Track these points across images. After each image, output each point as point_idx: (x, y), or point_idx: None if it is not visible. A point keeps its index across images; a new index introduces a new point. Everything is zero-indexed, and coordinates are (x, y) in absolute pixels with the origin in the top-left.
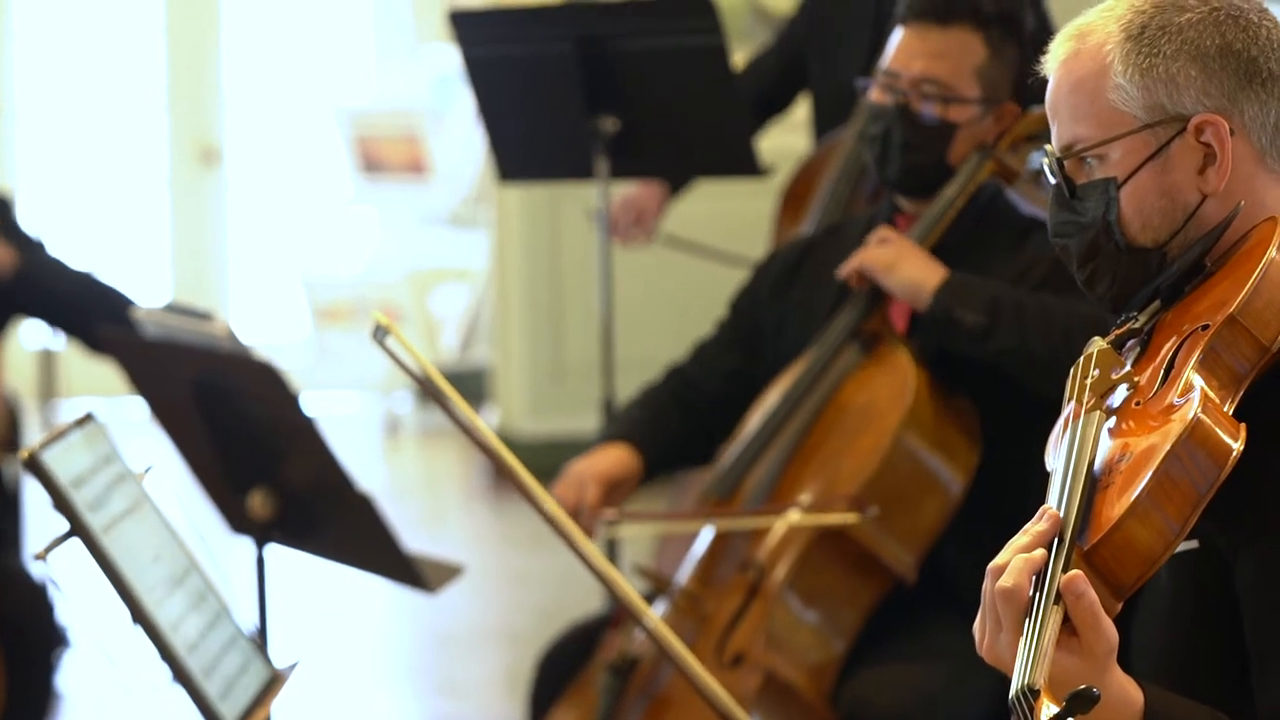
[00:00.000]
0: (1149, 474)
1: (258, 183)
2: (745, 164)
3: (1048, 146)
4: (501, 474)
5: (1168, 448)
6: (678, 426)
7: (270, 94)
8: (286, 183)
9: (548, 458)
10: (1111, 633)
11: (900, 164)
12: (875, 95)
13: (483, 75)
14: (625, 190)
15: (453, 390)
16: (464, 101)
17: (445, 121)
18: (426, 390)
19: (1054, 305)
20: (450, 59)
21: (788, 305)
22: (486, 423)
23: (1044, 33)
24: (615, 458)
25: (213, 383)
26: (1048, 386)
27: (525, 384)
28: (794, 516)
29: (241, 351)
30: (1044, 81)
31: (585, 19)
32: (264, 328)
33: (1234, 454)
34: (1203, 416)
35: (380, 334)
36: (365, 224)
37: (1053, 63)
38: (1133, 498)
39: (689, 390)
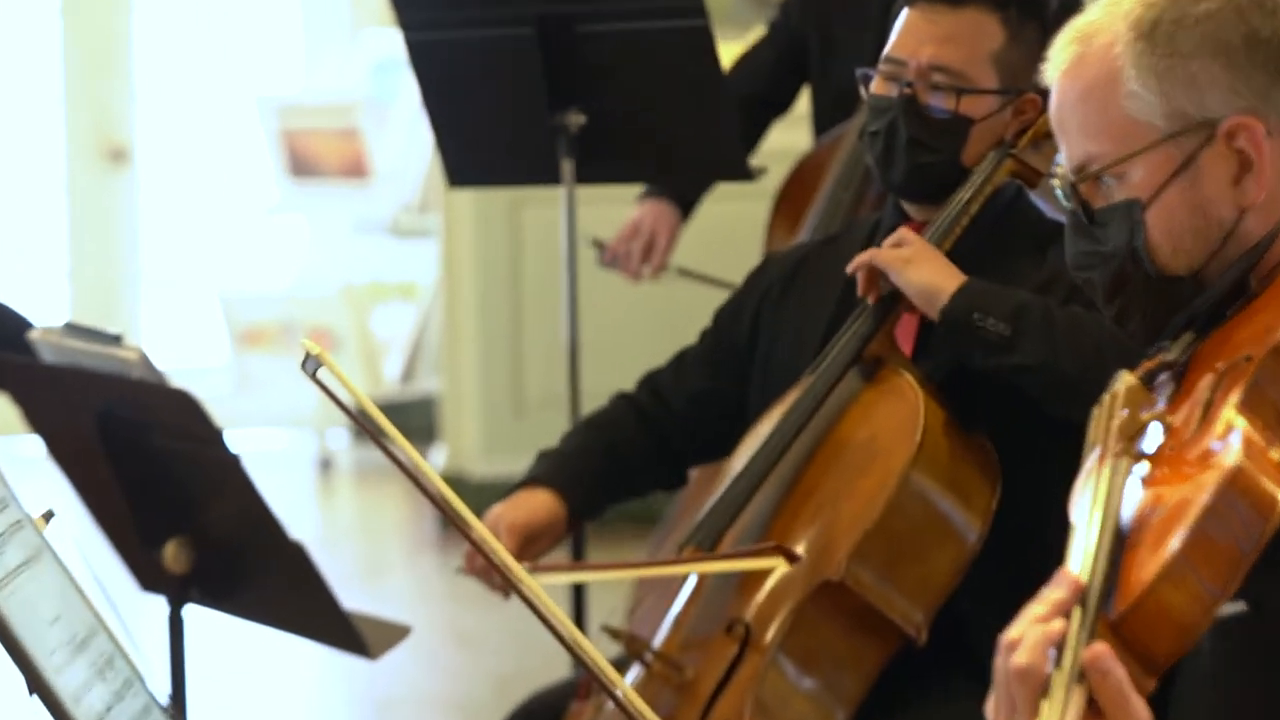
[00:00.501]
0: (1184, 531)
1: (172, 186)
2: (733, 167)
3: (1057, 167)
4: (450, 523)
5: (1205, 500)
6: (632, 451)
7: (187, 84)
8: (205, 186)
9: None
10: (1144, 714)
11: (906, 164)
12: (878, 87)
13: (428, 62)
14: (631, 215)
15: (395, 430)
16: (407, 93)
17: (386, 116)
18: (365, 430)
19: (1085, 318)
20: (391, 43)
21: (779, 323)
22: (433, 463)
23: (1071, 11)
24: (535, 504)
25: (121, 416)
26: (1076, 410)
27: (479, 418)
28: (710, 565)
29: (155, 379)
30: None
31: None
32: (178, 352)
33: None
34: (1244, 464)
35: (311, 365)
36: (293, 233)
37: (1054, 71)
38: (1166, 558)
39: (657, 405)
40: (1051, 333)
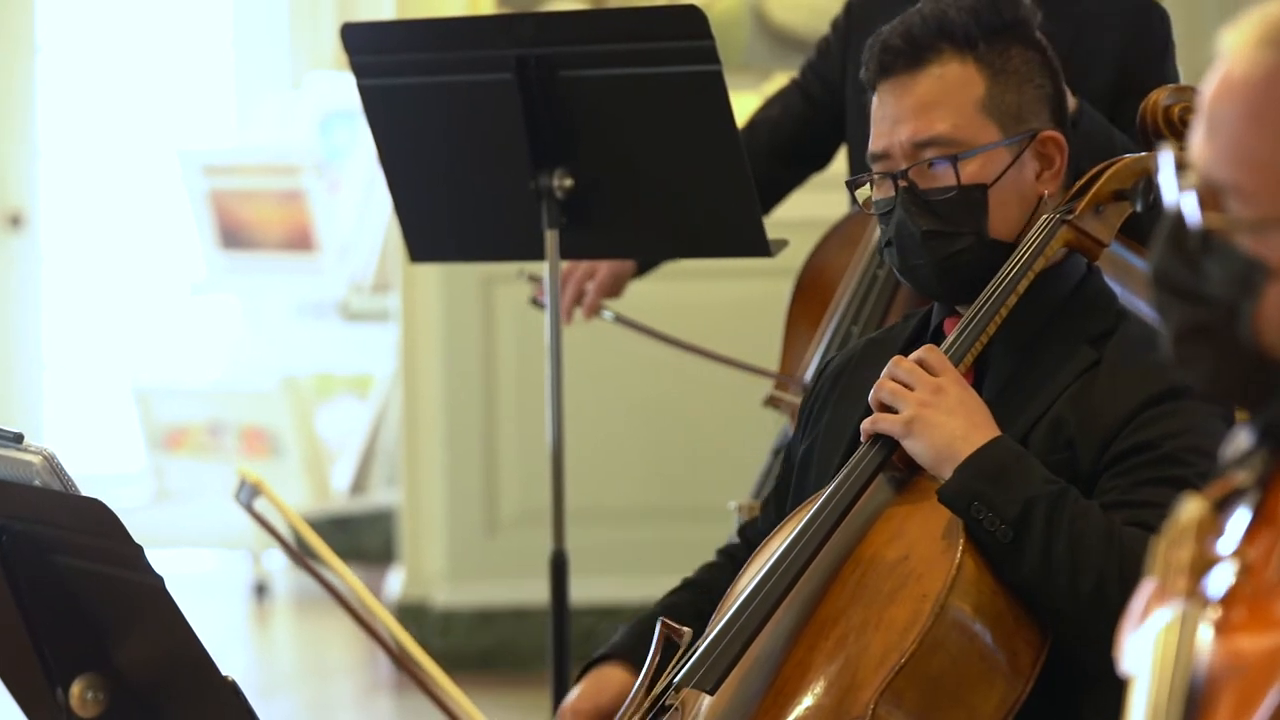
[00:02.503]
0: (1273, 692)
1: (79, 257)
2: (749, 240)
3: (1174, 152)
4: (402, 666)
5: None
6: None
7: (97, 138)
8: (118, 257)
9: (473, 639)
10: None
11: (932, 264)
12: (878, 192)
13: (386, 114)
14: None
15: (345, 569)
16: (361, 150)
17: (335, 177)
18: (312, 574)
19: (1096, 529)
20: (342, 91)
21: (814, 437)
22: (390, 589)
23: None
24: (604, 686)
25: (21, 531)
26: (1074, 643)
27: (444, 537)
28: None
29: (63, 488)
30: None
31: (529, 36)
32: (85, 455)
33: None
34: None
35: (247, 494)
36: (224, 315)
37: (1231, 55)
38: None
39: (749, 553)
40: (1051, 547)
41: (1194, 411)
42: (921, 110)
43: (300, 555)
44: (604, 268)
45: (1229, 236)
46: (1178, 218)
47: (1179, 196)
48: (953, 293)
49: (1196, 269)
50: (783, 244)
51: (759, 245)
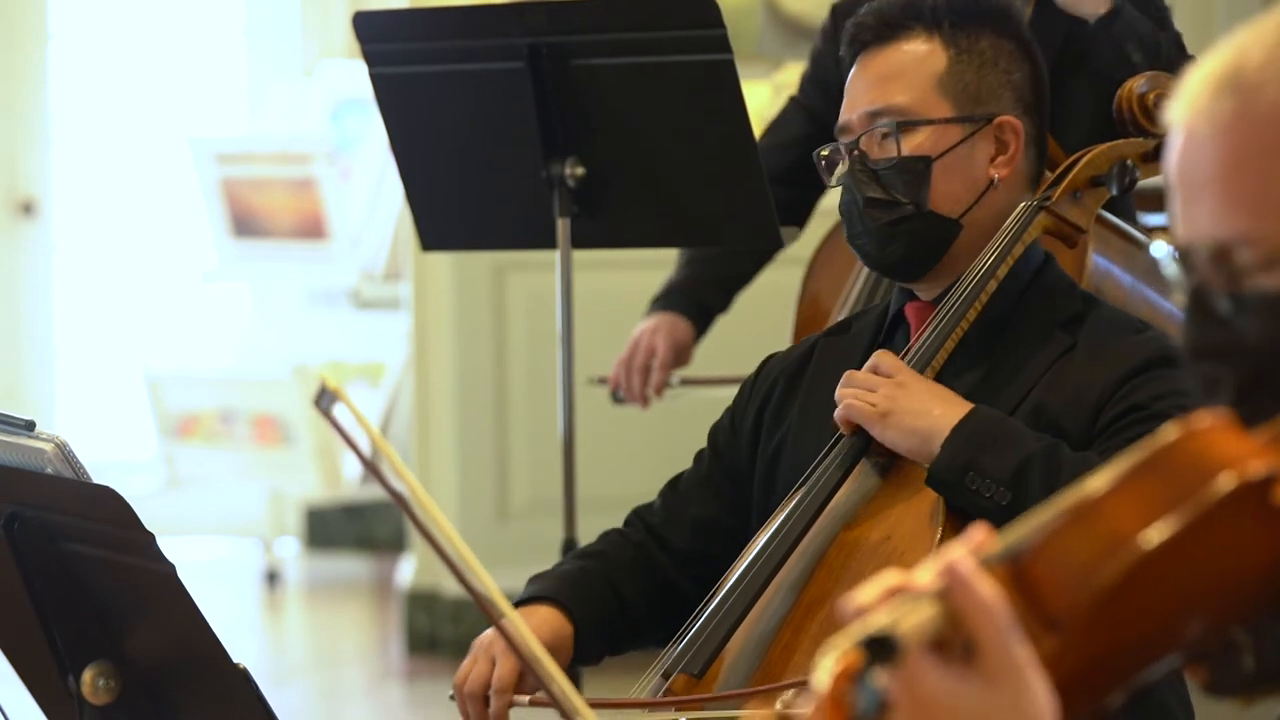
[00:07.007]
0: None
1: (90, 244)
2: (760, 229)
3: (1166, 238)
4: (468, 588)
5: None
6: (635, 594)
7: (109, 126)
8: (129, 245)
9: (485, 627)
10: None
11: (875, 234)
12: (840, 167)
13: (398, 102)
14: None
15: (413, 479)
16: (373, 138)
17: (347, 165)
18: (383, 484)
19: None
20: (354, 79)
21: (783, 430)
22: (402, 577)
23: (1008, 17)
24: (537, 621)
25: (33, 519)
26: None
27: (455, 525)
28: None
29: (75, 476)
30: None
31: (541, 24)
32: (96, 442)
33: None
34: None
35: (327, 400)
36: (235, 303)
37: (1192, 119)
38: None
39: (653, 543)
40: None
41: (1179, 379)
42: (880, 82)
43: (373, 467)
44: (662, 345)
45: (1252, 284)
46: (1196, 292)
47: (1191, 273)
48: (895, 266)
49: (1233, 329)
50: (794, 233)
51: (771, 234)
